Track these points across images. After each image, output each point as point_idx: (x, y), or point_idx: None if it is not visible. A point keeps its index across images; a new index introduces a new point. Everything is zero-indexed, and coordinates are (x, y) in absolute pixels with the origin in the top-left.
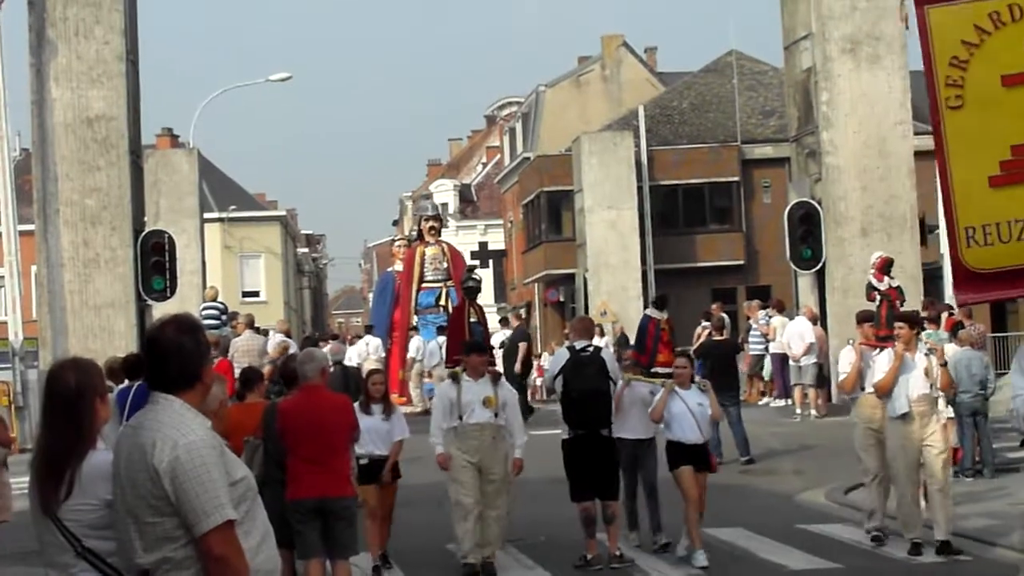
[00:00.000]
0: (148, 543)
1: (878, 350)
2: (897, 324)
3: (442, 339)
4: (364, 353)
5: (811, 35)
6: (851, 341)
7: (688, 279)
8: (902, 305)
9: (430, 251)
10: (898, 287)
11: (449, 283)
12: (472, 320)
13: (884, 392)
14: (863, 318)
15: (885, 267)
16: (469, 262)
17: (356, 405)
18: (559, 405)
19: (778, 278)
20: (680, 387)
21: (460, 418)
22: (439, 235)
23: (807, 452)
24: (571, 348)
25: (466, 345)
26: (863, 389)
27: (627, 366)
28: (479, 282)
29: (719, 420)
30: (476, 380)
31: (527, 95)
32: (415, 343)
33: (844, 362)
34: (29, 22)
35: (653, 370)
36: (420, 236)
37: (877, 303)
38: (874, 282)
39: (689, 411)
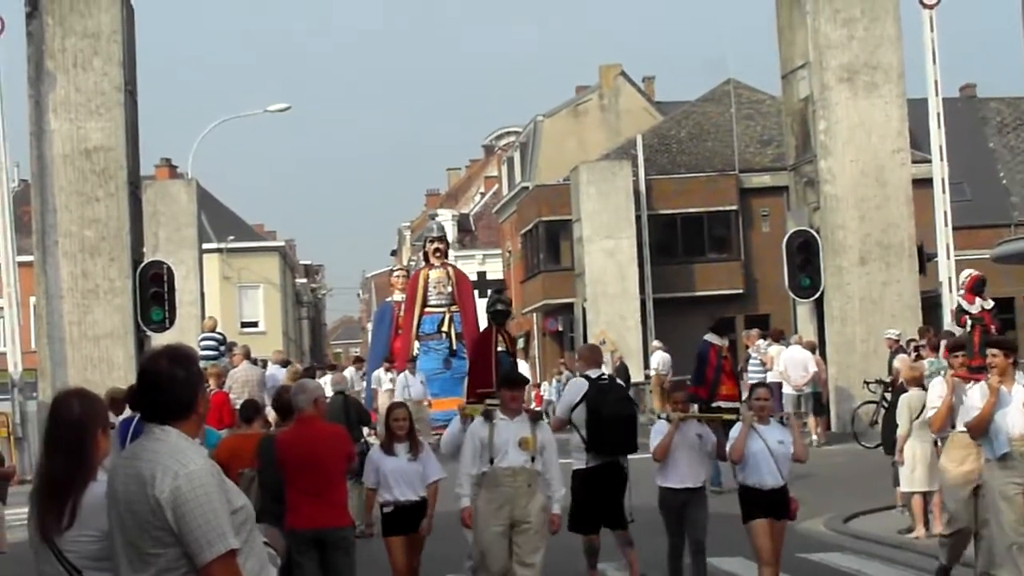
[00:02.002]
0: (148, 574)
1: (971, 383)
2: (990, 351)
3: (419, 376)
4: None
5: (808, 64)
6: (943, 372)
7: (687, 308)
8: (998, 330)
9: (434, 274)
10: (992, 308)
11: (453, 308)
12: (500, 349)
13: (978, 433)
14: (954, 346)
15: (976, 286)
16: None
17: (377, 445)
18: (575, 435)
19: (777, 307)
20: (759, 422)
21: (491, 461)
22: (445, 257)
23: (806, 480)
24: (587, 377)
25: (503, 378)
26: (953, 427)
27: (678, 403)
28: (509, 305)
29: (804, 460)
30: (512, 419)
31: (525, 125)
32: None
33: (934, 395)
34: (28, 53)
35: (715, 404)
36: (426, 258)
37: (969, 328)
38: (964, 304)
39: (768, 450)
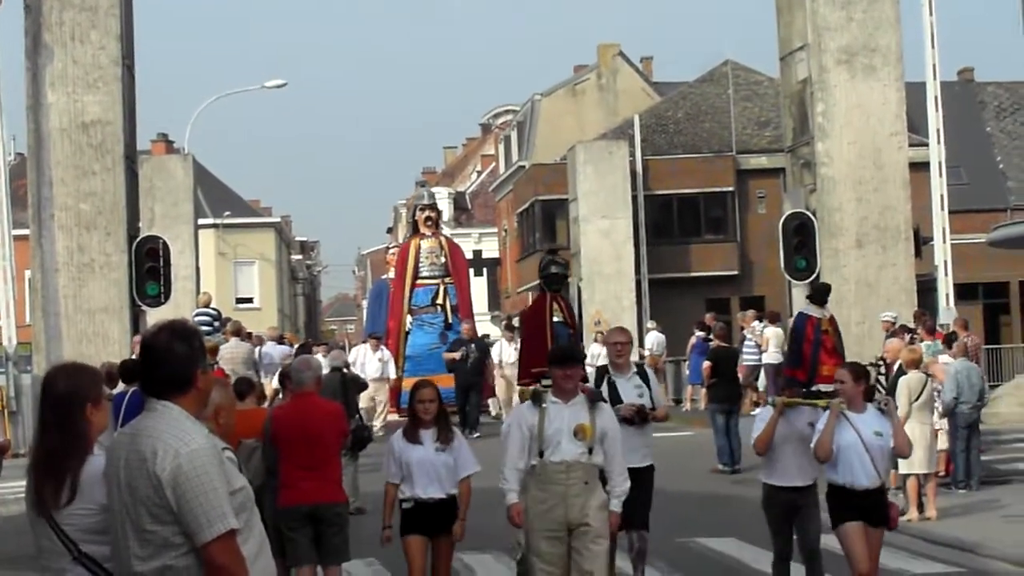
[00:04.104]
0: (148, 551)
1: None
2: None
3: (379, 354)
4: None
5: (807, 46)
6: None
7: (682, 289)
8: None
9: (426, 244)
10: None
11: (447, 280)
12: (556, 319)
13: None
14: None
15: None
16: None
17: (399, 433)
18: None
19: (772, 288)
20: (850, 409)
21: (540, 454)
22: (437, 227)
23: None
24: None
25: (552, 353)
26: None
27: (782, 387)
28: (565, 267)
29: (907, 456)
30: (566, 402)
31: (523, 103)
32: (357, 352)
33: None
34: (25, 26)
35: (815, 388)
36: (415, 228)
37: None
38: None
39: (862, 443)
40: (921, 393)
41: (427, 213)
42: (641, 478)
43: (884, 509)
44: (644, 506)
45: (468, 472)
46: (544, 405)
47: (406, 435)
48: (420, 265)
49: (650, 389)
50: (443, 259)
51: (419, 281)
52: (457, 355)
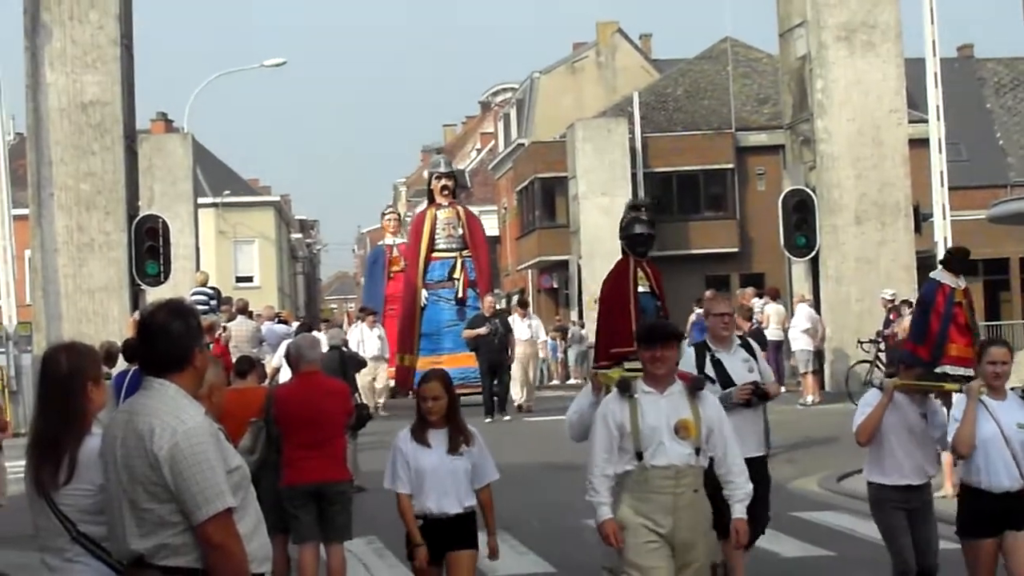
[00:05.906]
0: (144, 529)
1: None
2: None
3: (377, 331)
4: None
5: (806, 23)
6: None
7: (682, 266)
8: None
9: (443, 214)
10: None
11: (465, 252)
12: (642, 289)
13: None
14: None
15: None
16: None
17: (406, 433)
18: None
19: (772, 266)
20: (991, 396)
21: (639, 456)
22: (453, 196)
23: (800, 440)
24: None
25: (642, 330)
26: None
27: (900, 366)
28: (652, 225)
29: None
30: (662, 392)
31: (522, 81)
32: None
33: None
34: (24, 5)
35: (940, 369)
36: (431, 197)
37: None
38: None
39: (1003, 436)
40: None
41: (443, 181)
42: (757, 470)
43: None
44: (763, 503)
45: (488, 480)
46: (635, 396)
47: (414, 436)
48: (436, 237)
49: (758, 362)
50: (460, 231)
51: (435, 254)
52: (484, 330)
